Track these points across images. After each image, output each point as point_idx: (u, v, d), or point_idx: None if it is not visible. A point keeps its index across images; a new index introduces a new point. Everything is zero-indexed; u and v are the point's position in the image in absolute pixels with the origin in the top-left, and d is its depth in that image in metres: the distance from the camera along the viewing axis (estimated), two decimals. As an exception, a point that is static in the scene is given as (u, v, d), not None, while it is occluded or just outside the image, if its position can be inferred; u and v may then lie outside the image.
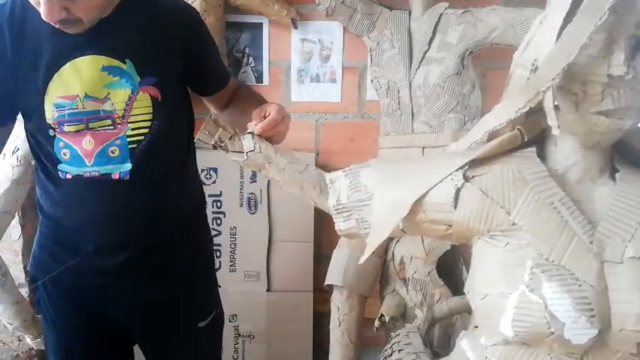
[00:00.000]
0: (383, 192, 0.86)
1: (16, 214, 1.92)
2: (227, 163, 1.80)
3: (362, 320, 1.71)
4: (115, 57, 1.02)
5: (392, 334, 1.59)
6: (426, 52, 1.70)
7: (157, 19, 1.07)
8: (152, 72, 1.05)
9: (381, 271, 1.77)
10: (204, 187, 1.98)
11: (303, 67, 1.99)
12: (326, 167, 1.99)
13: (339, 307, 1.70)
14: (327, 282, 1.71)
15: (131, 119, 1.06)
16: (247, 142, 0.94)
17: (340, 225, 0.91)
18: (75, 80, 1.01)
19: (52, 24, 0.93)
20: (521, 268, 0.74)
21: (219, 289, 1.39)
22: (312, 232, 1.99)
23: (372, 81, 1.84)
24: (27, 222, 2.10)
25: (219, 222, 1.97)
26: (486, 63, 1.88)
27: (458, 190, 0.80)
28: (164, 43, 1.07)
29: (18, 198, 1.83)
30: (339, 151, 2.03)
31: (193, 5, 1.73)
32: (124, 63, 1.03)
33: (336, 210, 0.90)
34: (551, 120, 0.73)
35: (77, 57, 1.00)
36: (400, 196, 0.83)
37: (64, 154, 1.06)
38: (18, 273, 2.06)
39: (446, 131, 1.68)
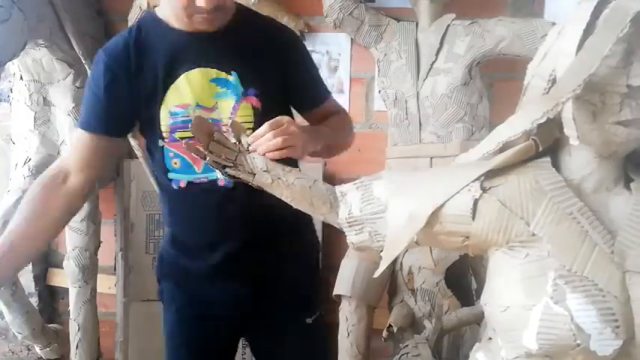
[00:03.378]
0: (397, 204, 0.85)
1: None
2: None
3: (370, 331, 1.71)
4: (222, 69, 1.13)
5: (401, 345, 1.59)
6: (433, 62, 1.71)
7: (260, 37, 1.18)
8: (254, 84, 1.15)
9: (390, 281, 1.76)
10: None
11: (311, 77, 2.00)
12: (333, 177, 1.99)
13: (348, 318, 1.69)
14: (335, 292, 1.70)
15: None
16: (259, 162, 0.94)
17: (352, 238, 0.90)
18: (188, 90, 1.12)
19: (200, 16, 1.06)
20: (542, 279, 0.74)
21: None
22: (320, 242, 1.98)
23: (379, 92, 1.85)
24: (37, 232, 2.11)
25: (226, 232, 1.97)
26: (494, 73, 1.88)
27: (476, 201, 0.79)
28: (265, 59, 1.17)
29: (29, 208, 1.84)
30: (347, 161, 2.02)
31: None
32: (230, 75, 1.14)
33: (348, 223, 0.89)
34: (571, 130, 0.73)
35: (191, 69, 1.12)
36: (416, 208, 0.83)
37: (175, 163, 1.17)
38: (28, 282, 2.07)
39: (454, 141, 1.69)
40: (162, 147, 1.16)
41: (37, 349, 1.97)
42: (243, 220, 1.19)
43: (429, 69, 1.72)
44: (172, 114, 1.13)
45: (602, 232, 0.75)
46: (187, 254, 1.26)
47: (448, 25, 1.72)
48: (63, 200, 1.15)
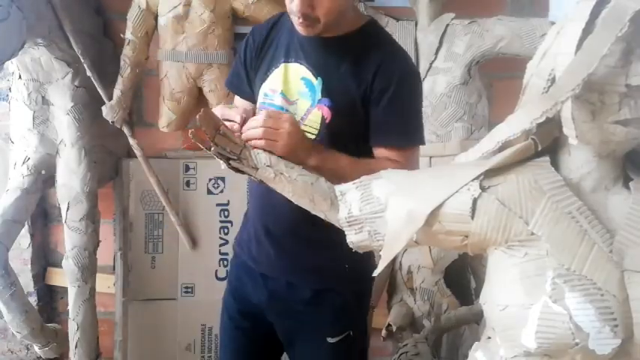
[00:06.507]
0: (397, 204, 0.85)
1: (26, 222, 1.93)
2: (234, 172, 1.81)
3: (370, 330, 1.71)
4: (312, 71, 1.17)
5: (399, 344, 1.59)
6: (432, 61, 1.72)
7: (368, 57, 1.15)
8: (331, 95, 1.16)
9: (389, 280, 1.77)
10: (212, 197, 2.00)
11: (310, 76, 2.00)
12: (333, 176, 2.00)
13: (347, 317, 1.69)
14: (334, 292, 1.70)
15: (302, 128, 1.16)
16: (262, 157, 0.95)
17: (352, 237, 0.90)
18: (281, 78, 1.20)
19: (297, 19, 1.09)
20: (541, 278, 0.74)
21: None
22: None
23: (379, 90, 1.85)
24: (36, 231, 2.10)
25: (226, 231, 1.98)
26: (493, 73, 1.89)
27: (475, 200, 0.79)
28: (356, 76, 1.15)
29: (28, 207, 1.84)
30: (346, 160, 2.03)
31: (202, 17, 1.76)
32: (316, 78, 1.17)
33: (348, 222, 0.89)
34: (570, 130, 0.73)
35: (291, 61, 1.20)
36: (415, 208, 0.83)
37: None
38: (27, 282, 2.06)
39: (453, 140, 1.69)
40: None
41: (36, 348, 1.97)
42: (288, 212, 1.12)
43: (428, 68, 1.72)
44: (265, 94, 1.22)
45: (600, 231, 0.75)
46: (245, 235, 1.33)
47: (447, 25, 1.72)
48: None
